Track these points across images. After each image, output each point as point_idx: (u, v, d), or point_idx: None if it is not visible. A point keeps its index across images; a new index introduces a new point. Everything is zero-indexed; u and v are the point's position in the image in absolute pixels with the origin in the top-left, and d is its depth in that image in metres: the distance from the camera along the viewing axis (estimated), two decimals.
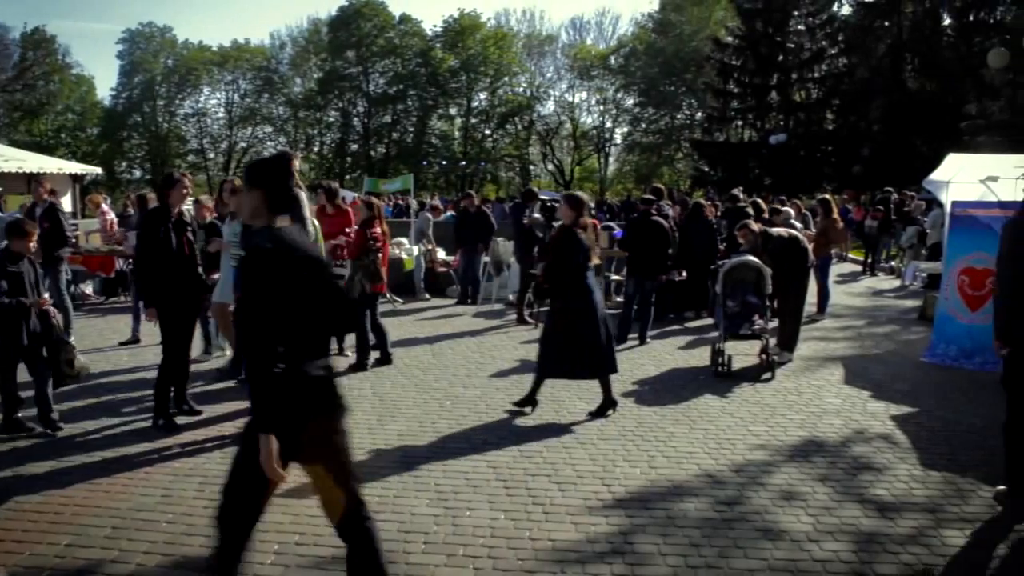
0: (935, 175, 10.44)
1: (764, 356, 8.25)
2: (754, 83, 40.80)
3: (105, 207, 14.35)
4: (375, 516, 4.53)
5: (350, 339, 8.73)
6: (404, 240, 14.77)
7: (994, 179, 8.90)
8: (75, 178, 20.15)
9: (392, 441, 5.96)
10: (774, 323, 8.96)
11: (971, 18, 35.28)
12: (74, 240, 13.25)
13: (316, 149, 61.08)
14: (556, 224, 12.98)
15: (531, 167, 60.93)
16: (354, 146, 60.62)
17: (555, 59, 60.34)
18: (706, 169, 42.44)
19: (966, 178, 9.58)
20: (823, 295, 11.91)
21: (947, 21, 36.95)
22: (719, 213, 14.49)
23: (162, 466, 5.40)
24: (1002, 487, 4.84)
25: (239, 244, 7.26)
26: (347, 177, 55.88)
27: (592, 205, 7.45)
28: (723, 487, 5.07)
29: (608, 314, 6.85)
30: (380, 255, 8.28)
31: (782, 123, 40.49)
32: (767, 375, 8.06)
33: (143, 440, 5.91)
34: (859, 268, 19.27)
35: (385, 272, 8.53)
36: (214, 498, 4.63)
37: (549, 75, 60.18)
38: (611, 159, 60.91)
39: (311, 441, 3.07)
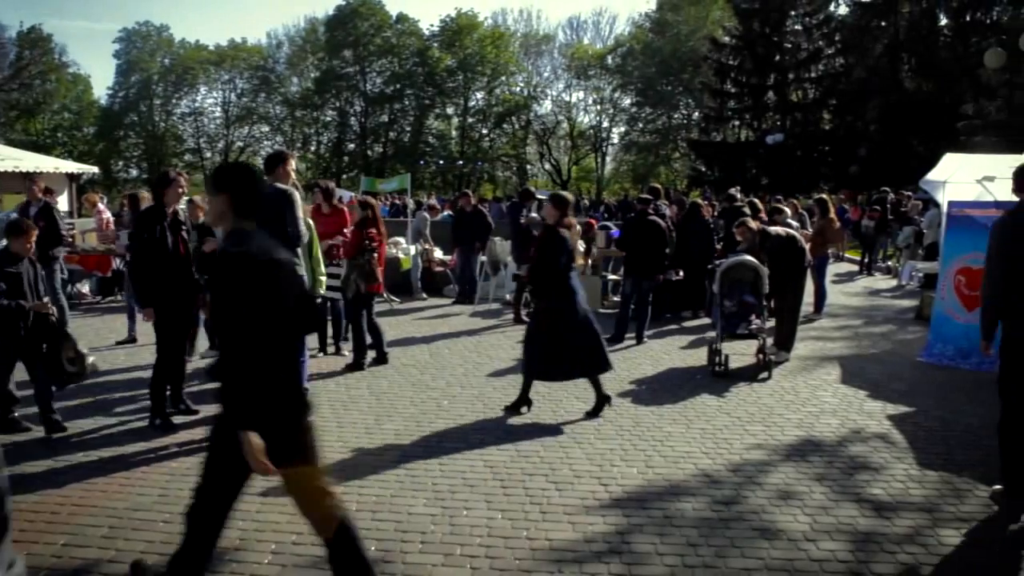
0: (932, 175, 10.45)
1: (761, 356, 8.26)
2: (751, 83, 40.79)
3: (101, 206, 14.34)
4: (373, 516, 4.55)
5: (348, 339, 8.75)
6: (401, 240, 14.76)
7: (991, 179, 8.91)
8: (72, 177, 20.10)
9: (389, 441, 5.96)
10: (771, 323, 8.97)
11: (968, 18, 35.29)
12: (70, 239, 13.24)
13: (313, 148, 61.01)
14: None
15: (528, 167, 60.93)
16: (351, 145, 60.59)
17: (552, 59, 60.37)
18: (703, 169, 42.42)
19: (963, 178, 9.59)
20: (820, 295, 11.92)
21: (944, 21, 36.95)
22: (716, 213, 14.50)
23: (159, 465, 5.39)
24: (998, 487, 4.85)
25: None
26: (344, 176, 55.88)
27: (573, 202, 7.40)
28: (720, 487, 5.07)
29: (592, 314, 6.82)
30: (376, 255, 8.27)
31: (779, 123, 40.50)
32: (764, 375, 8.07)
33: (140, 440, 5.91)
34: (856, 268, 19.30)
35: (382, 272, 8.53)
36: None
37: (546, 75, 60.26)
38: (608, 159, 60.98)
39: (289, 442, 3.14)
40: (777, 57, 40.48)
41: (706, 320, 11.30)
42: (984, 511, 4.73)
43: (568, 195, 7.24)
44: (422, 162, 55.96)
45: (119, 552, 4.09)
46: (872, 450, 5.83)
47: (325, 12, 60.75)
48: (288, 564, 3.98)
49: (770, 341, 8.68)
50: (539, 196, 13.57)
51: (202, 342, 8.50)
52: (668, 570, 3.95)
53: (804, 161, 38.53)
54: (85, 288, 13.61)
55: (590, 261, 13.05)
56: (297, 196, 6.09)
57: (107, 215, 13.99)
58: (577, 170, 60.25)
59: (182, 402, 6.51)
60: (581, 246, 12.93)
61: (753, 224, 9.34)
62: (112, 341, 9.55)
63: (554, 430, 6.24)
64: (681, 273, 11.43)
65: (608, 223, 17.47)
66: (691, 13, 53.70)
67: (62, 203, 16.72)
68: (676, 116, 56.37)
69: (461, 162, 56.24)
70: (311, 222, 7.16)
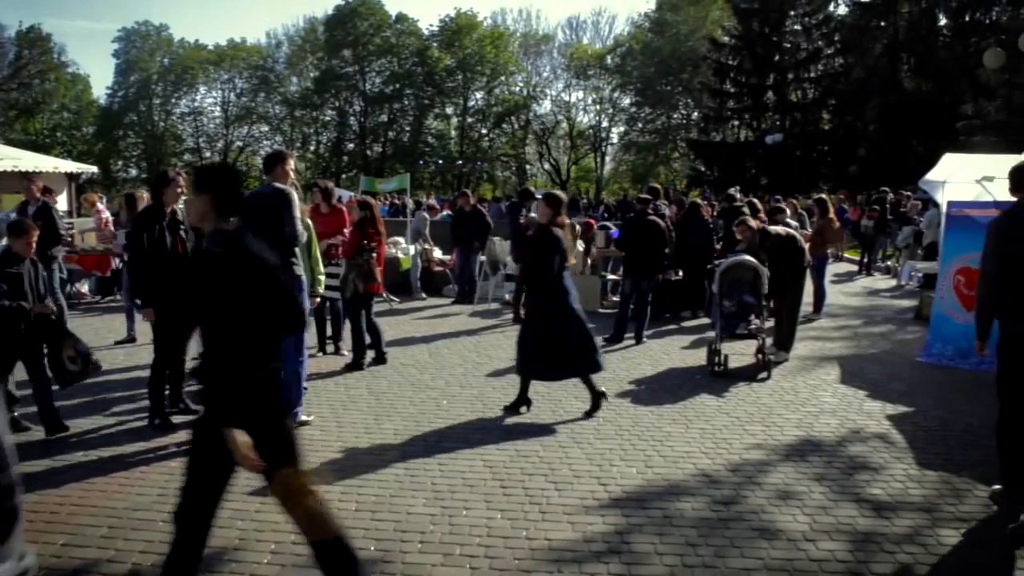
0: (931, 175, 10.45)
1: (760, 356, 8.26)
2: (750, 83, 40.79)
3: (100, 206, 14.33)
4: (373, 515, 4.55)
5: (347, 339, 8.75)
6: (400, 239, 14.76)
7: (990, 179, 8.90)
8: (71, 177, 20.08)
9: (389, 440, 5.96)
10: (770, 323, 8.97)
11: (967, 18, 35.29)
12: (69, 239, 13.23)
13: (312, 148, 60.96)
14: None
15: (527, 166, 60.93)
16: (350, 145, 60.58)
17: (551, 59, 60.36)
18: (702, 169, 42.42)
19: (962, 178, 9.59)
20: (819, 295, 11.93)
21: (943, 21, 36.94)
22: (715, 213, 14.50)
23: (158, 465, 5.39)
24: (997, 487, 4.85)
25: None
26: (343, 176, 55.88)
27: (567, 201, 7.38)
28: (720, 486, 5.07)
29: (583, 314, 6.81)
30: (374, 255, 8.27)
31: (778, 123, 40.49)
32: (763, 375, 8.07)
33: (139, 439, 5.91)
34: (855, 268, 19.30)
35: (381, 272, 8.52)
36: None
37: (545, 75, 60.24)
38: (607, 158, 60.96)
39: (271, 441, 3.17)
40: (776, 57, 40.48)
41: (705, 320, 11.30)
42: (983, 511, 4.73)
43: (562, 194, 7.23)
44: (421, 162, 55.95)
45: (118, 552, 4.09)
46: (871, 450, 5.83)
47: (324, 12, 60.70)
48: (287, 564, 3.97)
49: (769, 341, 8.69)
50: (538, 196, 13.56)
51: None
52: (667, 570, 3.95)
53: (803, 161, 38.54)
54: (84, 288, 13.61)
55: (589, 261, 13.06)
56: (295, 196, 6.09)
57: (106, 215, 13.98)
58: (576, 170, 60.25)
59: (181, 401, 6.51)
60: (580, 246, 13.00)
61: (753, 223, 9.34)
62: (111, 341, 9.54)
63: (553, 430, 6.24)
64: (680, 273, 11.43)
65: (607, 223, 17.48)
66: (690, 13, 53.70)
67: (61, 203, 16.69)
68: (675, 116, 56.37)
69: (460, 162, 56.24)
70: (309, 222, 7.15)
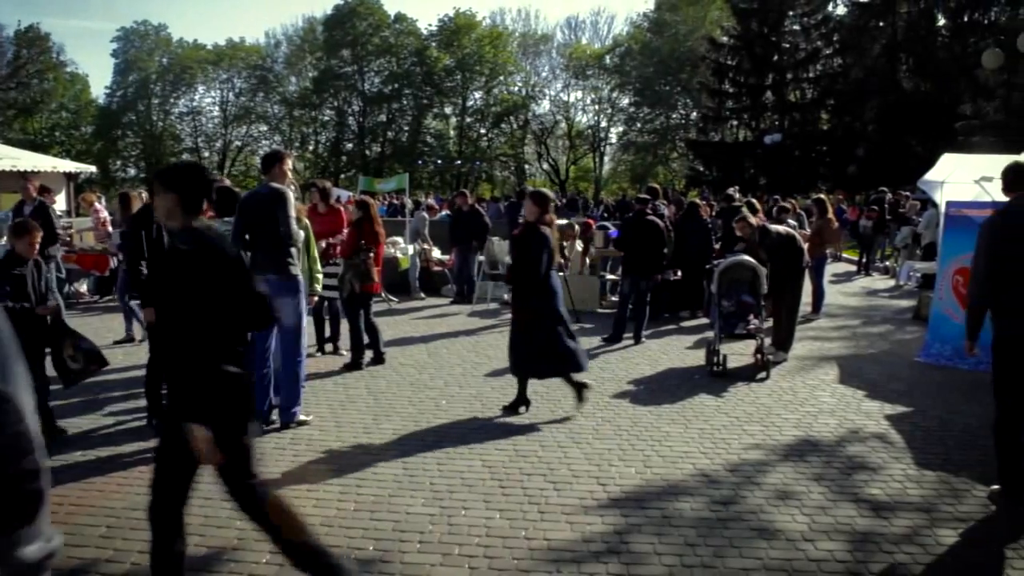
0: (930, 175, 10.47)
1: (759, 356, 8.26)
2: (749, 83, 40.85)
3: (98, 205, 14.31)
4: (372, 515, 4.55)
5: (346, 339, 8.75)
6: (399, 239, 14.76)
7: (988, 179, 8.91)
8: (69, 176, 20.08)
9: (387, 440, 5.96)
10: (769, 323, 8.97)
11: (966, 19, 35.36)
12: (68, 239, 13.23)
13: (311, 148, 60.98)
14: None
15: (526, 166, 60.97)
16: (349, 145, 60.62)
17: (550, 58, 60.48)
18: (701, 169, 42.48)
19: (961, 178, 9.61)
20: (818, 295, 11.93)
21: (942, 21, 37.01)
22: (714, 213, 14.50)
23: None
24: (996, 487, 4.86)
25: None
26: (342, 176, 55.90)
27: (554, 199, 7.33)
28: (718, 486, 5.07)
29: (568, 314, 6.79)
30: (372, 255, 8.26)
31: (777, 123, 40.55)
32: (762, 375, 8.07)
33: (137, 439, 5.90)
34: (854, 268, 19.30)
35: (379, 272, 8.51)
36: (209, 497, 4.62)
37: (544, 74, 60.35)
38: (606, 158, 61.05)
39: (233, 438, 3.23)
40: (775, 57, 40.53)
41: (704, 320, 11.31)
42: (982, 511, 4.73)
43: (549, 192, 7.20)
44: (420, 162, 55.99)
45: (117, 552, 4.08)
46: (870, 450, 5.83)
47: (323, 11, 60.73)
48: (286, 564, 3.96)
49: (768, 341, 8.69)
50: None
51: None
52: (666, 570, 3.95)
53: (802, 161, 38.60)
54: (83, 287, 13.60)
55: (588, 260, 13.06)
56: (290, 196, 6.09)
57: (104, 214, 13.96)
58: (575, 170, 60.28)
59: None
60: (579, 246, 13.01)
61: (753, 219, 9.34)
62: (110, 341, 9.53)
63: (552, 430, 6.23)
64: (679, 273, 11.44)
65: (606, 223, 17.48)
66: (689, 13, 53.76)
67: (60, 202, 16.69)
68: (674, 116, 56.44)
69: (459, 162, 56.26)
70: (307, 221, 7.15)
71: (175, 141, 60.68)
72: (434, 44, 58.26)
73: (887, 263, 19.03)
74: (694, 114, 51.99)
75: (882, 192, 20.57)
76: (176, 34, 62.38)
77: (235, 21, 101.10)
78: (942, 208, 9.63)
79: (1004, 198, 5.15)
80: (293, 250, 6.11)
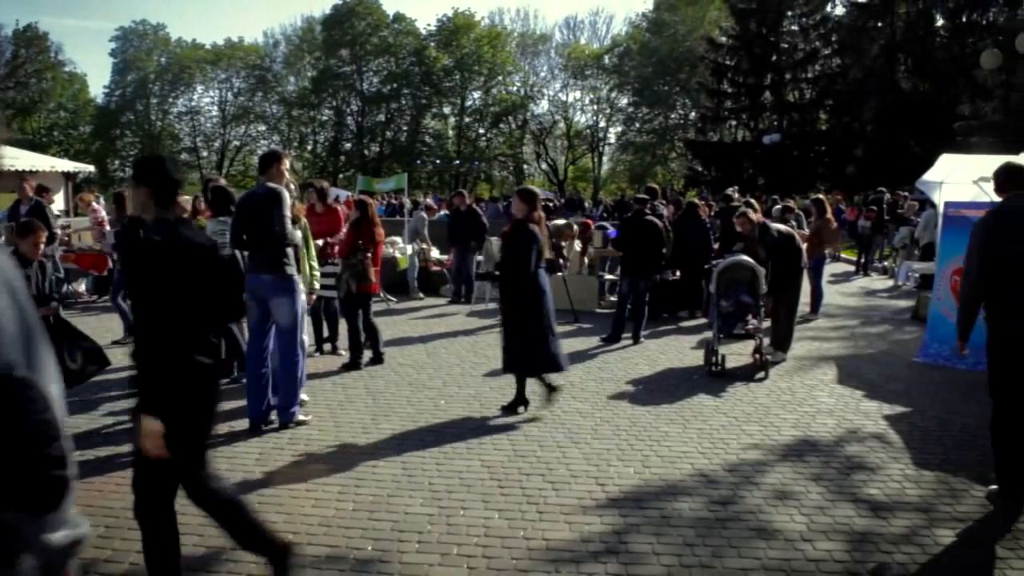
0: (928, 176, 10.48)
1: (758, 356, 8.27)
2: (748, 83, 40.86)
3: (96, 205, 14.30)
4: (370, 515, 4.55)
5: (344, 339, 8.75)
6: (398, 239, 14.76)
7: (987, 180, 8.88)
8: (68, 176, 20.09)
9: (386, 440, 5.96)
10: (767, 323, 8.98)
11: (964, 19, 35.39)
12: (66, 238, 13.22)
13: (310, 148, 60.96)
14: (549, 223, 13.07)
15: (525, 166, 60.94)
16: (348, 145, 60.58)
17: (549, 58, 60.43)
18: (700, 169, 42.46)
19: (959, 179, 9.62)
20: (816, 295, 11.93)
21: (940, 22, 37.03)
22: (713, 213, 14.50)
23: None
24: (994, 487, 4.86)
25: (221, 242, 7.30)
26: (340, 176, 55.87)
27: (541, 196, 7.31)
28: (717, 486, 5.08)
29: (554, 313, 6.78)
30: (370, 255, 8.26)
31: (776, 123, 40.56)
32: (761, 375, 8.08)
33: None
34: (852, 268, 19.32)
35: (377, 272, 8.51)
36: None
37: (543, 74, 60.32)
38: (605, 158, 61.00)
39: (195, 431, 3.32)
40: (774, 57, 40.55)
41: (703, 320, 11.31)
42: (980, 511, 4.73)
43: (537, 189, 7.19)
44: (419, 161, 55.97)
45: (116, 552, 4.08)
46: (868, 450, 5.83)
47: (322, 11, 60.59)
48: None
49: (767, 341, 8.69)
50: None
51: None
52: (665, 570, 3.95)
53: (801, 161, 38.62)
54: (81, 287, 13.59)
55: (587, 260, 13.07)
56: (286, 195, 6.10)
57: (102, 214, 13.96)
58: (574, 170, 60.27)
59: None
60: (578, 246, 13.01)
61: (754, 215, 9.34)
62: (108, 340, 9.51)
63: (551, 430, 6.23)
64: (678, 273, 11.44)
65: (605, 223, 17.49)
66: (688, 13, 53.76)
67: (58, 202, 16.68)
68: (673, 116, 56.42)
69: (458, 162, 56.23)
70: (305, 221, 7.16)
71: (174, 141, 60.58)
72: (433, 44, 58.24)
73: (885, 263, 19.03)
74: (693, 114, 51.97)
75: (881, 192, 20.58)
76: (175, 34, 62.42)
77: (234, 21, 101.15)
78: (940, 208, 9.64)
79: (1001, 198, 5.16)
80: (289, 250, 6.11)
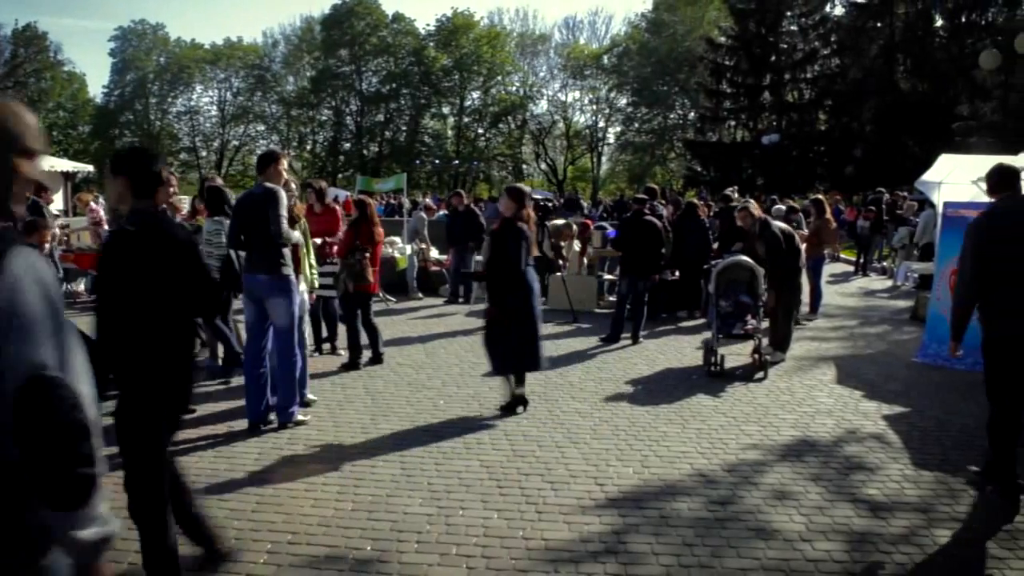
0: (927, 176, 10.49)
1: (757, 356, 8.27)
2: (747, 83, 40.88)
3: (94, 205, 14.32)
4: (369, 515, 4.55)
5: (344, 339, 8.74)
6: (397, 239, 14.76)
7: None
8: (67, 176, 20.07)
9: (385, 440, 5.95)
10: (766, 323, 8.99)
11: (963, 19, 35.42)
12: (65, 237, 13.22)
13: (309, 147, 60.97)
14: (549, 223, 13.09)
15: (524, 166, 60.94)
16: (347, 145, 60.59)
17: (548, 58, 60.45)
18: (699, 169, 42.48)
19: (958, 179, 9.62)
20: (816, 295, 11.94)
21: (939, 22, 37.06)
22: (712, 213, 14.50)
23: None
24: (992, 486, 4.86)
25: (216, 241, 7.31)
26: (340, 176, 55.88)
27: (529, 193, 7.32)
28: (716, 486, 5.07)
29: (540, 312, 6.78)
30: (368, 255, 8.25)
31: (775, 123, 40.57)
32: (760, 375, 8.08)
33: None
34: (851, 268, 19.33)
35: (375, 272, 8.50)
36: (206, 497, 4.62)
37: (542, 74, 60.33)
38: (604, 158, 61.01)
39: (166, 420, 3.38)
40: (773, 57, 40.57)
41: (702, 320, 11.31)
42: (979, 511, 4.73)
43: (526, 187, 7.19)
44: (418, 161, 55.97)
45: (115, 552, 4.07)
46: (867, 450, 5.84)
47: (321, 11, 60.74)
48: (284, 564, 3.97)
49: (766, 341, 8.69)
50: (534, 196, 13.56)
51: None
52: (664, 570, 3.95)
53: (800, 161, 38.64)
54: (80, 287, 13.58)
55: (586, 260, 13.07)
56: (283, 195, 6.10)
57: (100, 214, 13.97)
58: (573, 170, 60.28)
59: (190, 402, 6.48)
60: (576, 246, 13.01)
61: (756, 211, 9.35)
62: None
63: (550, 430, 6.23)
64: (677, 273, 11.44)
65: (604, 223, 17.49)
66: (687, 13, 53.77)
67: (57, 202, 16.67)
68: (672, 116, 56.43)
69: (457, 162, 56.22)
70: (305, 221, 7.16)
71: (173, 140, 60.57)
72: (432, 44, 58.25)
73: (884, 263, 19.05)
74: (692, 114, 52.01)
75: (880, 192, 20.60)
76: (174, 33, 62.41)
77: (233, 20, 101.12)
78: (939, 209, 9.65)
79: None
80: (286, 250, 6.10)
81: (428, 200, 22.77)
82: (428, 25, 59.62)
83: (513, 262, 6.48)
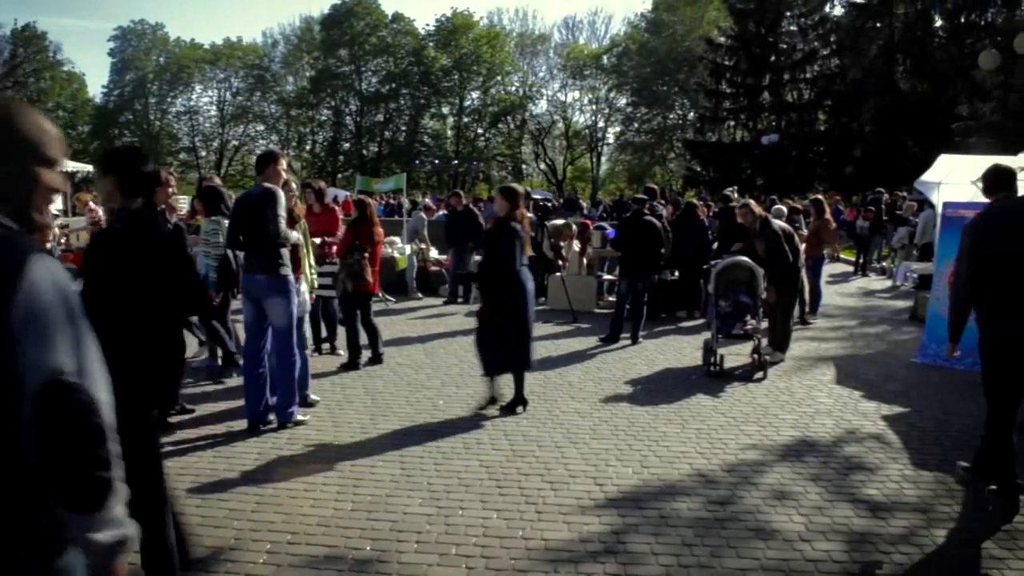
0: (926, 176, 10.48)
1: (756, 356, 8.27)
2: (746, 83, 40.89)
3: (94, 205, 14.29)
4: (369, 515, 4.54)
5: (344, 338, 8.74)
6: (396, 239, 14.75)
7: None
8: (66, 176, 20.06)
9: (385, 440, 5.95)
10: (766, 323, 8.99)
11: (962, 20, 35.41)
12: (64, 238, 13.22)
13: (308, 148, 60.98)
14: (548, 223, 13.09)
15: (523, 166, 60.96)
16: (346, 145, 60.59)
17: (548, 58, 60.50)
18: (698, 169, 42.49)
19: (957, 179, 9.61)
20: (815, 295, 11.94)
21: (939, 23, 37.05)
22: (711, 213, 14.50)
23: None
24: (992, 486, 4.86)
25: (214, 241, 7.32)
26: (339, 176, 55.88)
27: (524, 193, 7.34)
28: (715, 487, 5.07)
29: (533, 312, 6.79)
30: (367, 255, 8.25)
31: (774, 123, 40.58)
32: (759, 375, 8.08)
33: None
34: (851, 268, 19.33)
35: (375, 272, 8.49)
36: (205, 497, 4.63)
37: (542, 74, 60.37)
38: (603, 158, 61.03)
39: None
40: (772, 58, 40.58)
41: (701, 320, 11.31)
42: (978, 511, 4.74)
43: (519, 187, 7.19)
44: (418, 161, 55.95)
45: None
46: (867, 450, 5.84)
47: (321, 11, 60.76)
48: (283, 564, 3.96)
49: (765, 341, 8.70)
50: (534, 196, 13.57)
51: (189, 339, 8.47)
52: (663, 570, 3.95)
53: (799, 162, 38.65)
54: (79, 287, 13.58)
55: (585, 261, 13.07)
56: (281, 195, 6.10)
57: (99, 214, 13.95)
58: (572, 170, 60.28)
59: (177, 403, 6.48)
60: (576, 246, 13.01)
61: (757, 209, 9.36)
62: None
63: (549, 430, 6.23)
64: (676, 273, 11.44)
65: (603, 223, 17.49)
66: (687, 13, 53.76)
67: (57, 202, 16.63)
68: (672, 116, 56.44)
69: (456, 162, 56.23)
70: (304, 221, 7.16)
71: (172, 140, 60.62)
72: (431, 44, 58.27)
73: (884, 264, 19.06)
74: (691, 114, 52.01)
75: (879, 193, 20.61)
76: (173, 33, 62.41)
77: (232, 20, 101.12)
78: (939, 209, 9.65)
79: None
80: (284, 250, 6.10)
81: (427, 200, 22.77)
82: (427, 25, 59.77)
83: (507, 262, 6.48)
